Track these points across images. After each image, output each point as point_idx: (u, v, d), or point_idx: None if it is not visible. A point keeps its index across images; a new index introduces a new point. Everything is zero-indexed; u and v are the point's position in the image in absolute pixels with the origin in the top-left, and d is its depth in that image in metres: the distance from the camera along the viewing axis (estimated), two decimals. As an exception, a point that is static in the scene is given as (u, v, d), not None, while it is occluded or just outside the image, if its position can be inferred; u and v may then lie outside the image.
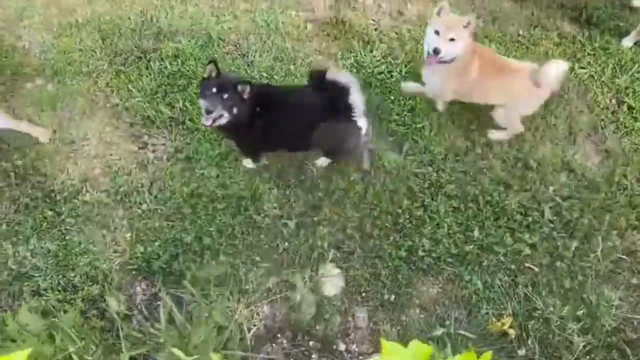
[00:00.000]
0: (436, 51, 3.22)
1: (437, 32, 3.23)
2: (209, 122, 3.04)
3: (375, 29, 4.18)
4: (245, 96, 3.02)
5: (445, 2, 3.22)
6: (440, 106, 3.80)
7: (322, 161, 3.61)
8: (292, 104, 3.18)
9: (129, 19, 4.14)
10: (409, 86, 3.83)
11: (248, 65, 3.97)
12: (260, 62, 3.98)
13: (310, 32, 4.16)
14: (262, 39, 4.10)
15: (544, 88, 3.37)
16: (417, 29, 4.15)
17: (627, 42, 4.06)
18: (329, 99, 3.05)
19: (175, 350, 2.58)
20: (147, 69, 3.93)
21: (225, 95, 2.99)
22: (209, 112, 3.00)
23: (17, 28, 4.10)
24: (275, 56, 4.02)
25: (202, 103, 3.03)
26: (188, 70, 3.91)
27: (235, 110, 3.02)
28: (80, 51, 4.02)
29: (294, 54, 4.05)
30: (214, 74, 3.01)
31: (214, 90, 2.98)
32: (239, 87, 3.00)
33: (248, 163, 3.61)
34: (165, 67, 3.92)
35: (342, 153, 3.51)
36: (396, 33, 4.16)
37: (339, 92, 3.03)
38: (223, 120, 3.06)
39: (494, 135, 3.71)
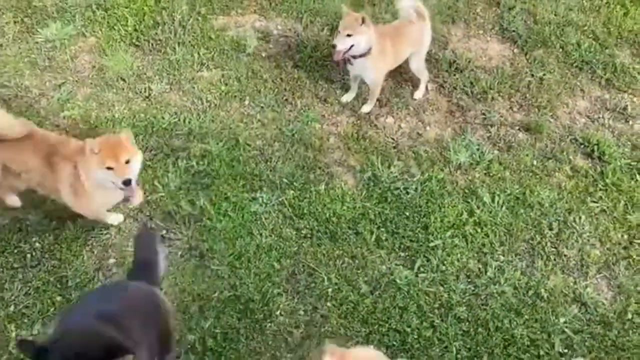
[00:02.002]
0: (334, 46, 4.03)
1: (338, 31, 4.01)
2: None
3: (394, 147, 4.36)
4: None
5: (344, 7, 4.10)
6: None
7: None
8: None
9: (163, 118, 4.37)
10: (347, 96, 4.59)
11: (270, 170, 4.13)
12: (282, 168, 4.14)
13: (332, 144, 4.36)
14: (286, 147, 4.29)
15: (418, 18, 4.31)
16: (433, 150, 4.33)
17: None
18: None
19: None
20: (174, 166, 4.09)
21: None
22: None
23: (57, 118, 4.33)
24: (297, 164, 4.19)
25: None
26: (213, 170, 4.07)
27: None
28: (112, 144, 4.21)
29: (315, 163, 4.21)
30: None
31: None
32: None
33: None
34: (192, 166, 4.09)
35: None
36: (413, 152, 4.33)
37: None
38: None
39: (417, 94, 4.64)
